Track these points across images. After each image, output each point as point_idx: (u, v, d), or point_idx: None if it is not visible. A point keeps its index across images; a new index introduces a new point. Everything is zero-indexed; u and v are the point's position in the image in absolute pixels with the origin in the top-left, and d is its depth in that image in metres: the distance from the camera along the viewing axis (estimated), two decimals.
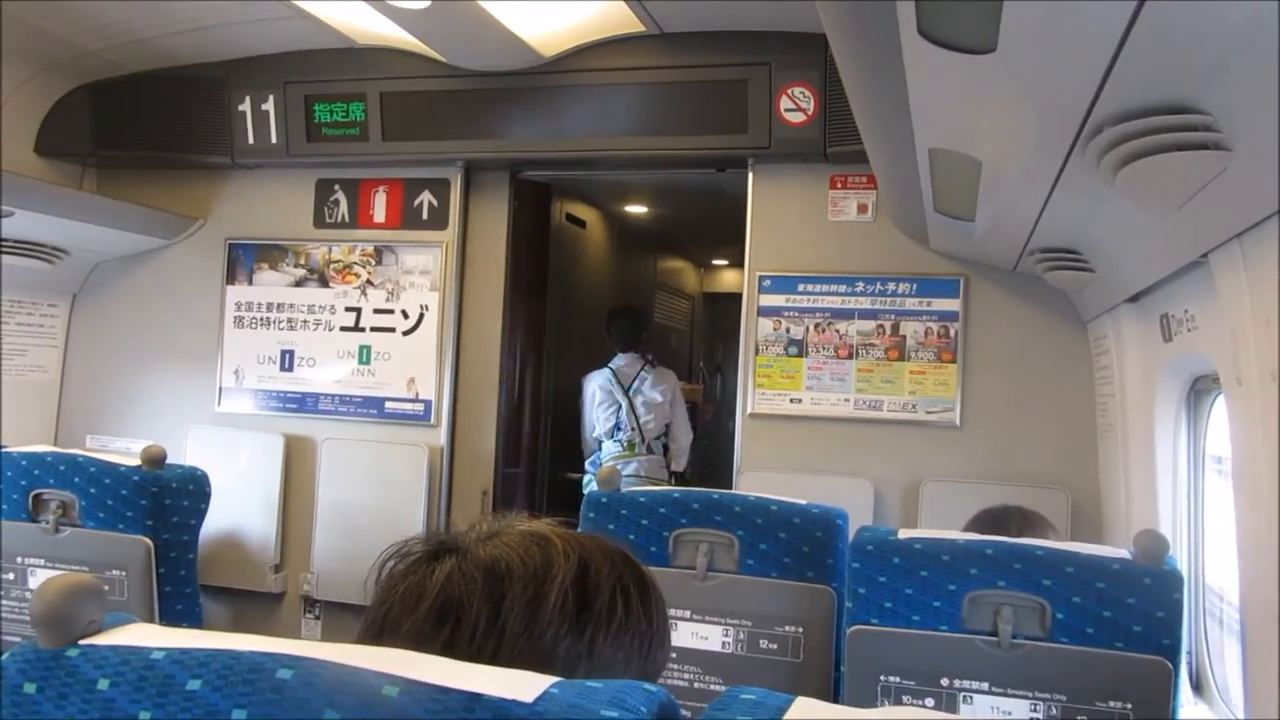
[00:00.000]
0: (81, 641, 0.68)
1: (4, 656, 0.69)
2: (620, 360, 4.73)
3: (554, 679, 0.62)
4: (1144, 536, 1.70)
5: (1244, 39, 1.06)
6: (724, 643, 2.08)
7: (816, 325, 3.43)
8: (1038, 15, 1.11)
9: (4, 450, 2.54)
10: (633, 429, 4.58)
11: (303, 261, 3.98)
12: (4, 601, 2.47)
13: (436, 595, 0.89)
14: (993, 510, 2.19)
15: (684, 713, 0.65)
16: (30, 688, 0.66)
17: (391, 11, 3.06)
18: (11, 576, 2.46)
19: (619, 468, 4.12)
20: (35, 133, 3.97)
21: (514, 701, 0.59)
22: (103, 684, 0.64)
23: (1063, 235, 2.39)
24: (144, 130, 3.99)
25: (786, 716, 0.68)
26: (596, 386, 4.68)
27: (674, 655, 2.08)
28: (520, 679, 0.62)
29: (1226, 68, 1.14)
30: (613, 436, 4.62)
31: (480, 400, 3.93)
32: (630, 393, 4.62)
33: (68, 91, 3.98)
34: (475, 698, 0.60)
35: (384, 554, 0.96)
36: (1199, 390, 2.41)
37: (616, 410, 4.61)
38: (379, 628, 0.91)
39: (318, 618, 3.90)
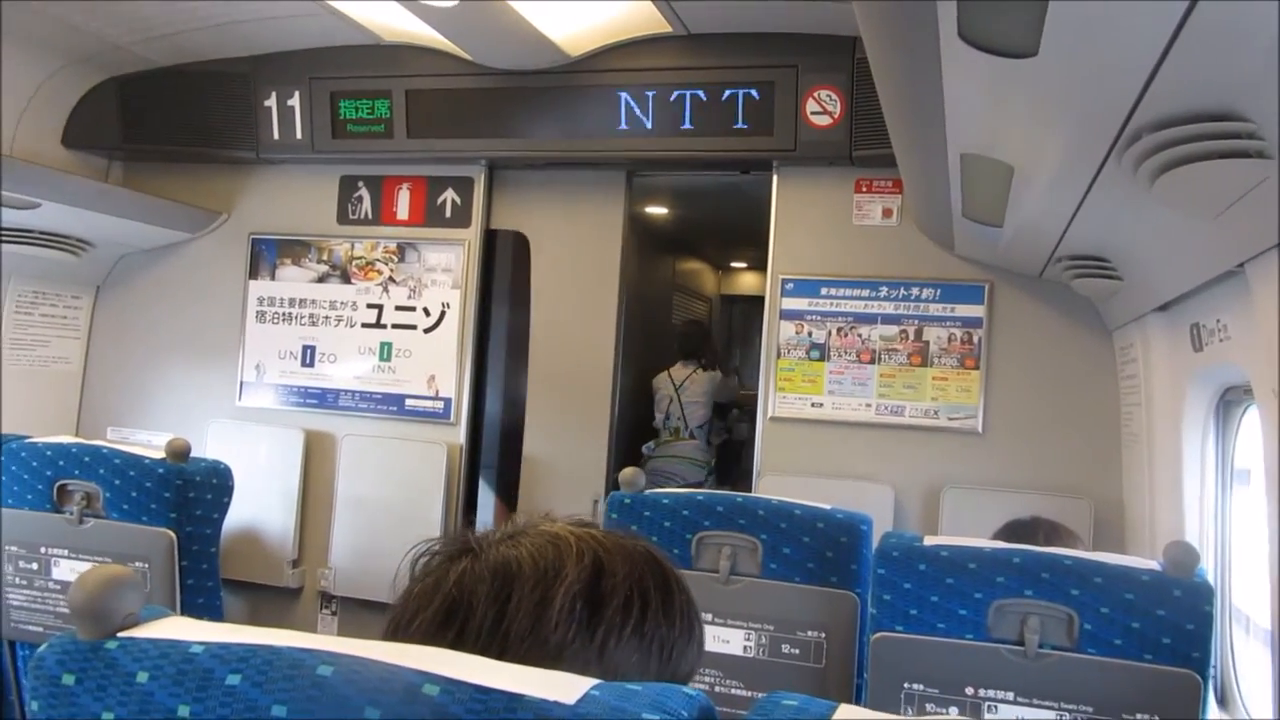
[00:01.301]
0: (120, 634, 0.67)
1: (42, 648, 0.68)
2: (679, 364, 5.58)
3: (595, 681, 0.62)
4: (1174, 548, 1.68)
5: None
6: (745, 647, 2.07)
7: (839, 329, 3.42)
8: (1082, 20, 1.09)
9: (29, 440, 2.56)
10: (678, 418, 5.41)
11: (325, 257, 3.99)
12: (26, 591, 2.49)
13: (446, 594, 0.89)
14: (1021, 521, 2.17)
15: None
16: (69, 679, 0.66)
17: (419, 9, 3.07)
18: (35, 566, 2.47)
19: (668, 447, 5.36)
20: (63, 125, 4.00)
21: (555, 703, 0.59)
22: (141, 677, 0.64)
23: (1093, 242, 2.37)
24: (170, 124, 4.01)
25: None
26: (659, 383, 5.59)
27: None
28: (562, 680, 0.62)
29: (1271, 76, 1.12)
30: (664, 425, 5.50)
31: (559, 404, 3.88)
32: (679, 390, 5.45)
33: (96, 84, 4.01)
34: (516, 698, 0.59)
35: (414, 550, 0.96)
36: (1229, 401, 2.38)
37: (668, 403, 5.49)
38: (395, 624, 0.91)
39: (334, 613, 3.90)
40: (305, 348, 3.99)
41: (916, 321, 3.36)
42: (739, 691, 2.05)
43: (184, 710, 0.62)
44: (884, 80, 1.72)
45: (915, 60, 1.39)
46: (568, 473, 3.85)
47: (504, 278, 4.05)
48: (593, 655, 0.88)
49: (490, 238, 3.96)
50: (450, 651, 0.66)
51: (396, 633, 0.90)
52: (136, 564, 2.37)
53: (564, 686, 0.61)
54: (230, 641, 0.65)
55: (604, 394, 3.84)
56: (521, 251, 3.99)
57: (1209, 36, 1.08)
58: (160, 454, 2.45)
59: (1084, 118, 1.45)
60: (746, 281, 7.91)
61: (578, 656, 0.87)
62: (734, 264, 7.98)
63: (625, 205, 3.84)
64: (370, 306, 3.94)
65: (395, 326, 3.91)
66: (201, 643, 0.65)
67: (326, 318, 3.98)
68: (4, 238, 3.55)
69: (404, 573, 0.96)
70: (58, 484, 2.47)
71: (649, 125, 3.47)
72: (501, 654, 0.84)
